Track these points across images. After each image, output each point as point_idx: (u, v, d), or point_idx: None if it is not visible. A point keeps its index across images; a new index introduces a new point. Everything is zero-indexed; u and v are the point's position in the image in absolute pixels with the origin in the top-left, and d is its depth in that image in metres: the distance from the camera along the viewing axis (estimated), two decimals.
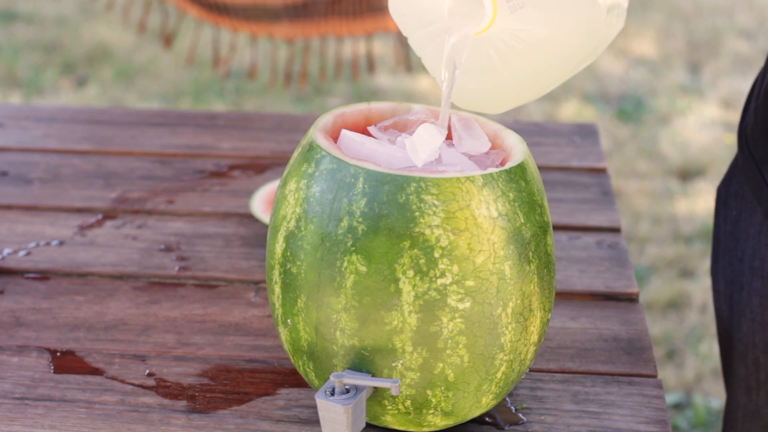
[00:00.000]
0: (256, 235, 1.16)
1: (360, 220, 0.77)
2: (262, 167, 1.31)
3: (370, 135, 0.87)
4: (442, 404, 0.81)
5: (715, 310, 1.14)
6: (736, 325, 1.09)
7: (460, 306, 0.77)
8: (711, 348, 2.30)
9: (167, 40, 2.30)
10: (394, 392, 0.78)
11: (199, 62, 3.53)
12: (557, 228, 1.18)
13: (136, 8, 3.60)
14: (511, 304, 0.79)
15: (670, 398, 2.16)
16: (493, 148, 0.86)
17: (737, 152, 1.09)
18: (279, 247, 0.82)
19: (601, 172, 1.31)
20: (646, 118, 3.33)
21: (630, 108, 3.38)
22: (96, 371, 0.95)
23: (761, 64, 3.67)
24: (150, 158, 1.33)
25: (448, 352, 0.78)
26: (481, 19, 0.81)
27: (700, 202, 2.85)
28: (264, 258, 1.12)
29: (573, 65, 0.84)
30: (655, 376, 0.94)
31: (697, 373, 2.23)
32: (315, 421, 0.88)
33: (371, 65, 2.12)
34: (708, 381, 2.21)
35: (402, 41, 2.11)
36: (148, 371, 0.94)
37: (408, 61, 2.10)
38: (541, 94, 0.86)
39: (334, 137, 0.86)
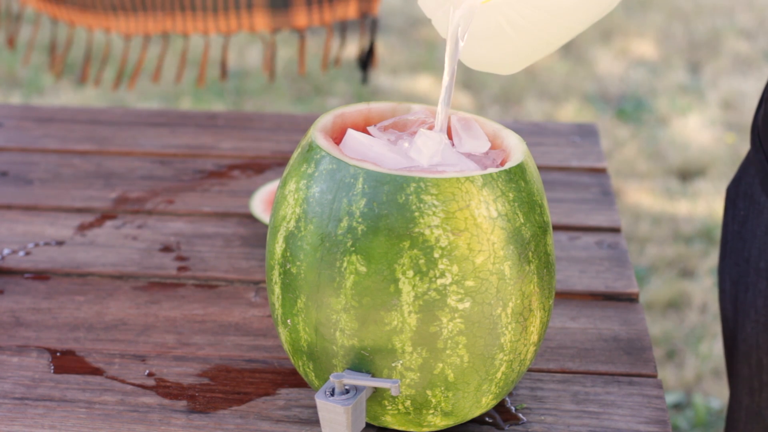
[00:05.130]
0: (256, 235, 1.16)
1: (360, 220, 0.77)
2: (262, 167, 1.31)
3: (370, 135, 0.87)
4: (442, 404, 0.81)
5: (721, 310, 1.14)
6: (741, 325, 1.09)
7: (460, 306, 0.77)
8: (711, 348, 2.30)
9: (10, 40, 2.17)
10: (393, 392, 0.79)
11: (194, 61, 3.53)
12: (557, 228, 1.18)
13: None
14: (510, 304, 0.79)
15: (670, 398, 2.16)
16: (493, 148, 0.86)
17: (749, 150, 1.09)
18: (279, 247, 0.82)
19: (601, 172, 1.31)
20: (646, 118, 3.33)
21: (630, 108, 3.38)
22: (96, 371, 0.95)
23: (761, 64, 3.67)
24: (150, 158, 1.33)
25: (447, 352, 0.79)
26: None
27: (700, 202, 2.85)
28: (264, 258, 1.12)
29: (586, 24, 0.83)
30: (655, 376, 0.94)
31: (697, 373, 2.23)
32: (315, 421, 0.88)
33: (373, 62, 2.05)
34: (708, 381, 2.21)
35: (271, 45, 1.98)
36: (148, 371, 0.94)
37: (273, 66, 2.00)
38: (552, 51, 0.86)
39: (334, 137, 0.86)
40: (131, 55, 3.54)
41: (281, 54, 3.57)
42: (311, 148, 0.81)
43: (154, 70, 1.92)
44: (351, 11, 1.81)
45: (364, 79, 1.93)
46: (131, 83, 1.97)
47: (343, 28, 1.90)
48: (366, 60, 1.90)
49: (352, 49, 3.67)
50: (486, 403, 0.84)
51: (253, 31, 1.84)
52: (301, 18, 1.81)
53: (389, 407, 0.82)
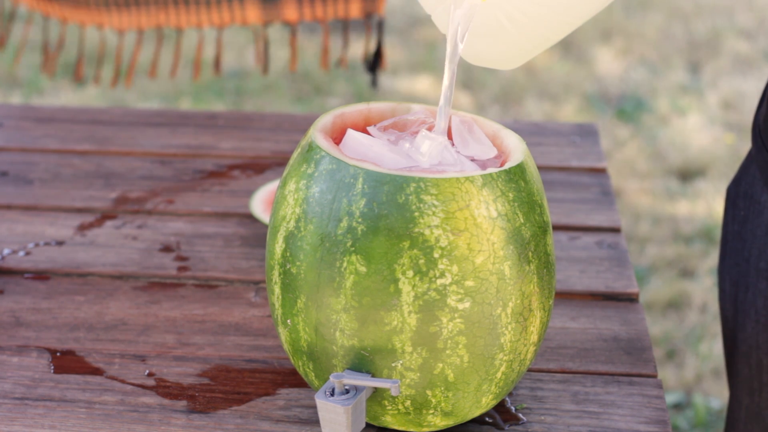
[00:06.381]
0: (256, 235, 1.16)
1: (359, 220, 0.77)
2: (262, 167, 1.31)
3: (370, 135, 0.87)
4: (442, 404, 0.81)
5: (720, 310, 1.14)
6: (741, 325, 1.09)
7: (460, 306, 0.77)
8: (711, 348, 2.30)
9: (1, 39, 2.13)
10: (393, 393, 0.78)
11: (189, 57, 3.52)
12: (557, 228, 1.18)
13: None
14: (510, 304, 0.79)
15: (670, 398, 2.16)
16: None
17: (750, 149, 1.09)
18: (278, 247, 0.82)
19: (601, 172, 1.31)
20: (646, 118, 3.33)
21: (630, 108, 3.38)
22: (96, 371, 0.95)
23: (761, 64, 3.67)
24: (150, 158, 1.33)
25: (447, 352, 0.79)
26: None
27: (700, 202, 2.85)
28: (264, 258, 1.12)
29: (584, 18, 0.83)
30: (655, 376, 0.94)
31: (697, 373, 2.23)
32: (315, 421, 0.88)
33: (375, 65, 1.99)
34: (708, 381, 2.21)
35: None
36: (148, 371, 0.94)
37: (266, 59, 1.94)
38: (551, 45, 0.86)
39: (334, 137, 0.86)
40: (126, 51, 3.54)
41: (282, 54, 3.57)
42: (311, 148, 0.81)
43: (150, 66, 1.90)
44: (354, 10, 1.78)
45: (374, 83, 1.89)
46: (128, 80, 1.95)
47: (345, 26, 1.85)
48: (374, 62, 1.86)
49: (357, 48, 3.67)
50: (486, 403, 0.84)
51: (246, 24, 1.82)
52: (291, 12, 1.79)
53: (389, 407, 0.82)
